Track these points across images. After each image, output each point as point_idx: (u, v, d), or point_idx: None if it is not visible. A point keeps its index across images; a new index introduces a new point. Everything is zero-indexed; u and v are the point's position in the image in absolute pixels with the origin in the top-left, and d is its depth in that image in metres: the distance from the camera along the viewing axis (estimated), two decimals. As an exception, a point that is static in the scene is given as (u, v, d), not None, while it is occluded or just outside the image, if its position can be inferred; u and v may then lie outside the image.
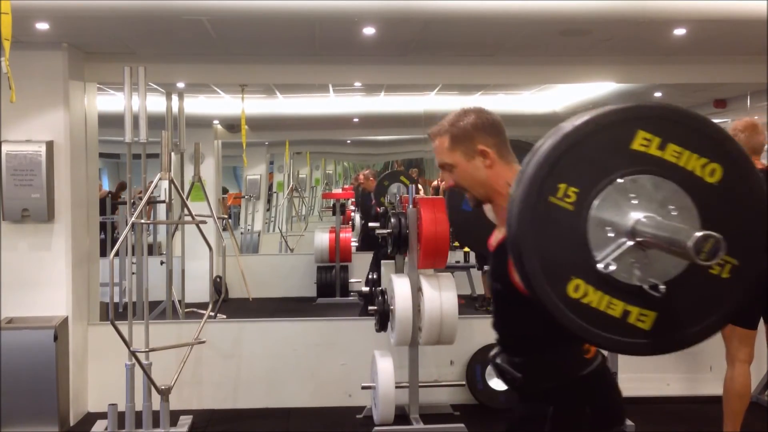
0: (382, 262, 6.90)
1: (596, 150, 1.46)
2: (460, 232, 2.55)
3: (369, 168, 10.49)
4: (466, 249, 7.77)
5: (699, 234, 1.27)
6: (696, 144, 1.47)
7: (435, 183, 9.73)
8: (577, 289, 1.44)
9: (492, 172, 1.88)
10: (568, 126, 1.48)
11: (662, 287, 1.43)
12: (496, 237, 1.91)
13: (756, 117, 4.72)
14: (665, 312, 1.47)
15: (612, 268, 1.42)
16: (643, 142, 1.46)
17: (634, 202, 1.45)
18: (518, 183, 1.49)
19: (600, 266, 1.42)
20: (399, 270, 4.78)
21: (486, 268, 7.06)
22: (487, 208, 2.02)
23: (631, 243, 1.43)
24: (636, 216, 1.43)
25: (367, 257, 8.19)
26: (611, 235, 1.44)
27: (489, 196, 1.91)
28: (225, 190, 12.82)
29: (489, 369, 4.92)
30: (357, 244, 9.15)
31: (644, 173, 1.46)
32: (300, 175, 14.17)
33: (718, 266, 1.46)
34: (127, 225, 4.29)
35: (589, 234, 1.44)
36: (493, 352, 1.99)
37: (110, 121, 5.53)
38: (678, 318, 1.48)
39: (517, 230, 1.46)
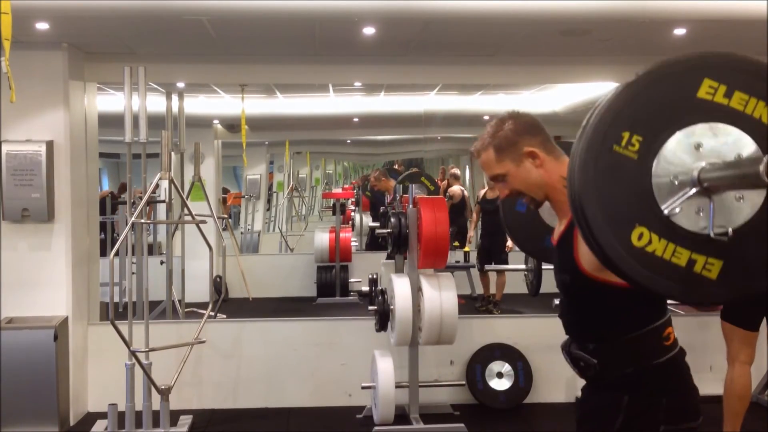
0: (383, 262, 6.91)
1: (661, 98, 1.45)
2: (514, 234, 2.55)
3: (378, 169, 10.49)
4: (467, 249, 7.78)
5: None
6: (763, 91, 1.46)
7: (444, 184, 9.72)
8: (641, 237, 1.43)
9: (544, 170, 1.89)
10: (632, 77, 1.46)
11: (729, 231, 1.41)
12: (558, 230, 1.93)
13: None
14: (732, 261, 1.45)
15: (677, 211, 1.41)
16: (708, 90, 1.45)
17: (700, 150, 1.44)
18: (580, 135, 1.47)
19: (665, 212, 1.41)
20: (399, 270, 4.78)
21: (489, 267, 7.09)
22: (543, 209, 2.02)
23: (696, 189, 1.42)
24: (700, 163, 1.42)
25: (368, 257, 8.20)
26: (676, 183, 1.43)
27: (546, 193, 1.91)
28: (225, 191, 12.82)
29: (488, 369, 4.94)
30: (357, 245, 9.14)
31: (710, 120, 1.45)
32: (300, 175, 14.16)
33: None
34: (127, 225, 4.29)
35: (653, 182, 1.43)
36: (563, 343, 1.98)
37: (110, 121, 5.53)
38: (745, 267, 1.46)
39: (579, 180, 1.44)
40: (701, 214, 1.43)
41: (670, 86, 1.46)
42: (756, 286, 1.49)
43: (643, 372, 1.78)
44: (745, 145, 1.45)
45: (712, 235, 1.41)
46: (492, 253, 7.30)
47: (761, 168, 1.24)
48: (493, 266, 7.13)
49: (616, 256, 1.43)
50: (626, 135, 1.43)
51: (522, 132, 1.90)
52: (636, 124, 1.44)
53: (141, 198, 4.27)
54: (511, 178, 1.92)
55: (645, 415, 1.77)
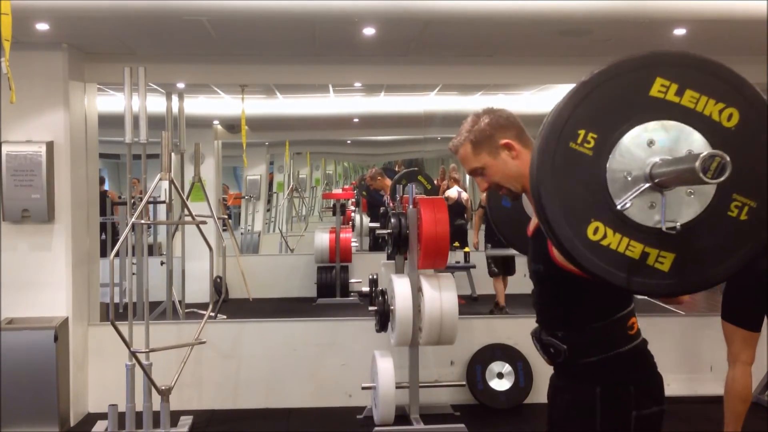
0: (383, 262, 6.89)
1: (615, 96, 1.50)
2: (500, 229, 2.60)
3: (374, 167, 10.49)
4: (467, 249, 7.77)
5: (705, 153, 1.32)
6: (712, 89, 1.51)
7: (444, 185, 9.70)
8: (597, 231, 1.49)
9: (520, 162, 1.94)
10: (586, 75, 1.52)
11: (678, 225, 1.47)
12: (533, 222, 1.98)
13: None
14: (684, 253, 1.50)
15: (628, 206, 1.46)
16: (660, 88, 1.50)
17: (652, 146, 1.49)
18: (540, 133, 1.52)
19: (618, 206, 1.47)
20: (399, 270, 4.78)
21: (489, 252, 7.06)
22: (527, 204, 2.09)
23: (648, 185, 1.47)
24: (653, 159, 1.48)
25: (368, 257, 8.20)
26: (629, 178, 1.48)
27: (523, 185, 1.96)
28: (225, 189, 12.83)
29: (489, 369, 4.93)
30: (357, 245, 9.13)
31: (663, 118, 1.50)
32: (300, 176, 14.16)
33: (736, 208, 1.51)
34: (127, 225, 4.29)
35: (608, 178, 1.48)
36: (533, 330, 2.04)
37: (110, 122, 5.53)
38: (697, 259, 1.51)
39: (538, 176, 1.50)
40: (654, 208, 1.48)
41: (623, 85, 1.50)
42: (707, 279, 1.55)
43: (610, 360, 1.86)
44: (695, 141, 1.50)
45: (663, 228, 1.47)
46: (504, 256, 7.25)
47: (697, 165, 1.30)
48: (493, 251, 7.12)
49: (573, 249, 1.49)
50: (582, 132, 1.49)
51: (496, 125, 1.96)
52: (591, 121, 1.49)
53: (141, 198, 4.27)
54: (489, 171, 1.98)
55: (618, 403, 1.84)
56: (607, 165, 1.48)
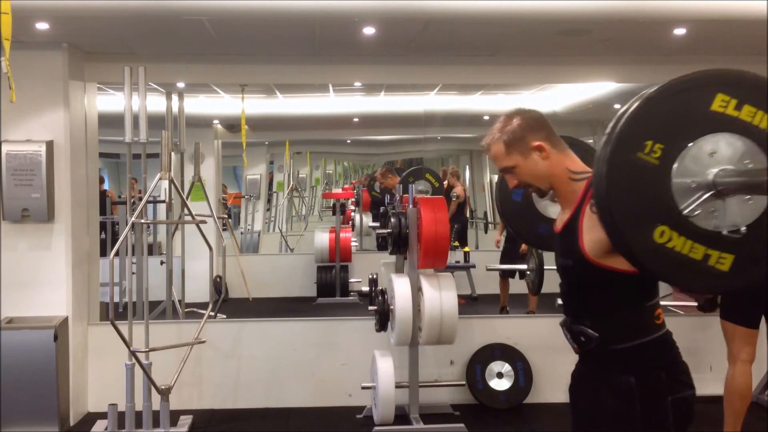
0: (383, 262, 6.88)
1: (679, 110, 1.63)
2: (510, 221, 2.69)
3: (384, 166, 10.49)
4: (467, 249, 7.76)
5: None
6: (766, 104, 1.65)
7: (446, 184, 9.65)
8: (663, 234, 1.61)
9: (550, 163, 2.03)
10: (651, 89, 1.64)
11: (743, 229, 1.61)
12: (561, 219, 2.06)
13: None
14: (743, 254, 1.64)
15: (697, 212, 1.60)
16: (721, 103, 1.64)
17: (713, 156, 1.62)
18: (606, 143, 1.63)
19: (684, 212, 1.60)
20: (399, 270, 4.78)
21: (490, 267, 7.02)
22: (536, 199, 2.22)
23: (711, 192, 1.61)
24: (715, 169, 1.61)
25: (368, 257, 8.18)
26: (693, 186, 1.61)
27: (551, 184, 2.05)
28: (225, 189, 12.82)
29: (488, 369, 4.93)
30: (357, 245, 9.12)
31: (723, 131, 1.63)
32: (300, 175, 14.15)
33: None
34: (127, 225, 4.29)
35: (673, 185, 1.61)
36: (562, 321, 2.12)
37: (110, 121, 5.53)
38: (755, 258, 1.65)
39: (607, 184, 1.62)
40: (715, 213, 1.62)
41: (686, 100, 1.64)
42: (763, 276, 1.68)
43: (640, 347, 1.94)
44: (753, 153, 1.64)
45: (724, 232, 1.60)
46: (514, 257, 7.22)
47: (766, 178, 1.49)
48: (494, 266, 7.08)
49: (640, 252, 1.62)
50: (649, 143, 1.61)
51: (528, 127, 2.04)
52: (657, 133, 1.61)
53: (141, 198, 4.27)
54: (520, 170, 2.06)
55: (653, 390, 1.92)
56: (672, 173, 1.60)
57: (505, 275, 7.29)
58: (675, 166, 1.61)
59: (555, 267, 2.16)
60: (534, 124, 2.05)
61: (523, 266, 5.51)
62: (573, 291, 2.09)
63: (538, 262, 5.16)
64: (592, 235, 1.89)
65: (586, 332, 1.99)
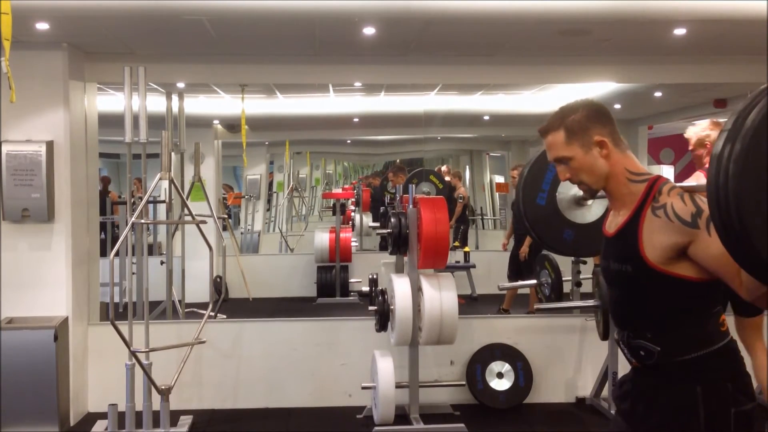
0: (383, 262, 6.89)
1: None
2: (534, 226, 2.58)
3: (396, 165, 10.51)
4: (467, 249, 7.76)
5: None
6: None
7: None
8: None
9: (609, 161, 1.92)
10: None
11: None
12: (615, 222, 1.95)
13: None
14: None
15: None
16: None
17: None
18: (733, 139, 1.43)
19: None
20: (399, 270, 4.78)
21: (502, 286, 6.86)
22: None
23: None
24: None
25: (368, 257, 8.19)
26: None
27: (606, 184, 1.95)
28: (230, 188, 12.82)
29: (488, 369, 4.93)
30: (357, 245, 9.11)
31: None
32: (300, 175, 14.16)
33: None
34: (127, 225, 4.29)
35: None
36: (617, 336, 2.02)
37: (110, 121, 5.53)
38: None
39: (737, 187, 1.41)
40: None
41: None
42: None
43: (707, 357, 1.84)
44: None
45: None
46: (521, 262, 7.19)
47: None
48: (508, 284, 6.99)
49: None
50: None
51: (594, 119, 1.93)
52: None
53: (141, 198, 4.27)
54: (576, 163, 1.94)
55: (719, 401, 1.82)
56: None
57: (515, 279, 7.22)
58: None
59: (603, 273, 2.04)
60: (601, 117, 1.94)
61: (534, 282, 5.44)
62: (628, 300, 1.96)
63: (555, 276, 5.04)
64: (654, 239, 1.81)
65: (647, 347, 1.89)
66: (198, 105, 7.58)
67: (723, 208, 1.45)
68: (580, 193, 2.41)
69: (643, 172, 1.92)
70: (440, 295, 4.25)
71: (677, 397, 1.86)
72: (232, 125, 8.89)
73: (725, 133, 1.46)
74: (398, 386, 4.45)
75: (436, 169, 11.75)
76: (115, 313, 4.01)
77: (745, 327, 3.82)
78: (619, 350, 2.05)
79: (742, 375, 1.89)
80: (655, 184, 1.87)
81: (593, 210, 3.43)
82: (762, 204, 1.41)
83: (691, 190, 1.83)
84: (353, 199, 11.11)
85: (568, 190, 3.79)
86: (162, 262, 6.07)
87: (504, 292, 6.94)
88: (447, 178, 9.74)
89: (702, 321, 1.86)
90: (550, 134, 1.96)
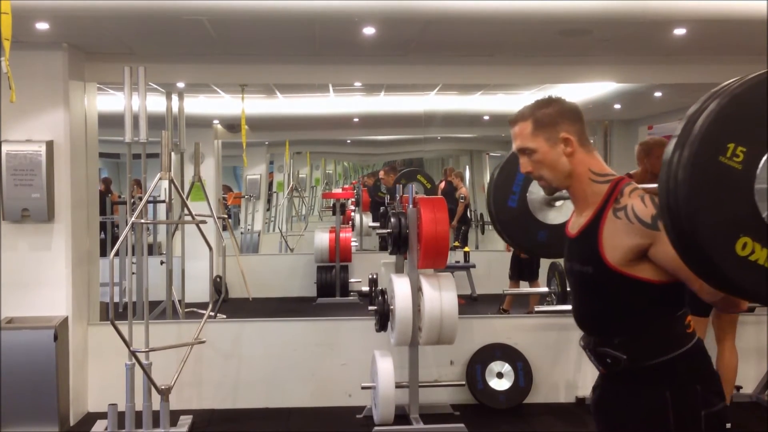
0: (383, 262, 6.88)
1: (762, 111, 1.47)
2: (505, 228, 2.56)
3: (389, 165, 10.52)
4: (467, 249, 7.76)
5: None
6: None
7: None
8: (745, 246, 1.45)
9: (573, 160, 1.91)
10: (735, 86, 1.48)
11: None
12: (578, 222, 1.94)
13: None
14: None
15: None
16: None
17: None
18: (682, 145, 1.48)
19: (767, 219, 1.44)
20: (399, 270, 4.78)
21: (508, 291, 6.86)
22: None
23: None
24: None
25: (368, 257, 8.18)
26: None
27: (566, 182, 1.93)
28: (229, 189, 12.82)
29: (488, 369, 4.93)
30: (357, 245, 9.10)
31: None
32: (300, 175, 14.15)
33: None
34: (127, 225, 4.29)
35: (756, 191, 1.45)
36: (584, 341, 2.00)
37: (110, 121, 5.53)
38: None
39: (686, 191, 1.45)
40: None
41: None
42: None
43: (674, 360, 1.82)
44: None
45: None
46: (523, 263, 7.19)
47: None
48: (513, 290, 6.97)
49: (724, 265, 1.45)
50: (731, 146, 1.45)
51: (564, 116, 1.92)
52: (740, 135, 1.46)
53: (141, 198, 4.27)
54: (539, 156, 1.92)
55: (688, 405, 1.80)
56: (756, 179, 1.46)
57: (517, 279, 7.23)
58: (758, 170, 1.46)
59: (567, 275, 2.02)
60: (571, 115, 1.92)
61: (545, 289, 5.41)
62: (590, 302, 1.94)
63: (562, 286, 5.02)
64: (614, 241, 1.79)
65: (613, 354, 1.87)
66: (198, 105, 7.58)
67: (674, 214, 1.48)
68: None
69: (607, 172, 1.91)
70: (440, 295, 4.25)
71: (647, 403, 1.84)
72: (232, 125, 8.89)
73: (675, 138, 1.49)
74: (398, 386, 4.45)
75: (443, 170, 11.75)
76: (115, 313, 4.01)
77: (723, 320, 3.94)
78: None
79: (710, 375, 1.88)
80: (618, 185, 1.86)
81: (564, 210, 3.43)
82: (711, 209, 1.44)
83: (653, 192, 1.81)
84: (353, 199, 11.12)
85: (539, 191, 3.73)
86: (162, 262, 6.07)
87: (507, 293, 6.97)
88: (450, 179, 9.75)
89: (667, 324, 1.84)
90: (519, 124, 1.95)
